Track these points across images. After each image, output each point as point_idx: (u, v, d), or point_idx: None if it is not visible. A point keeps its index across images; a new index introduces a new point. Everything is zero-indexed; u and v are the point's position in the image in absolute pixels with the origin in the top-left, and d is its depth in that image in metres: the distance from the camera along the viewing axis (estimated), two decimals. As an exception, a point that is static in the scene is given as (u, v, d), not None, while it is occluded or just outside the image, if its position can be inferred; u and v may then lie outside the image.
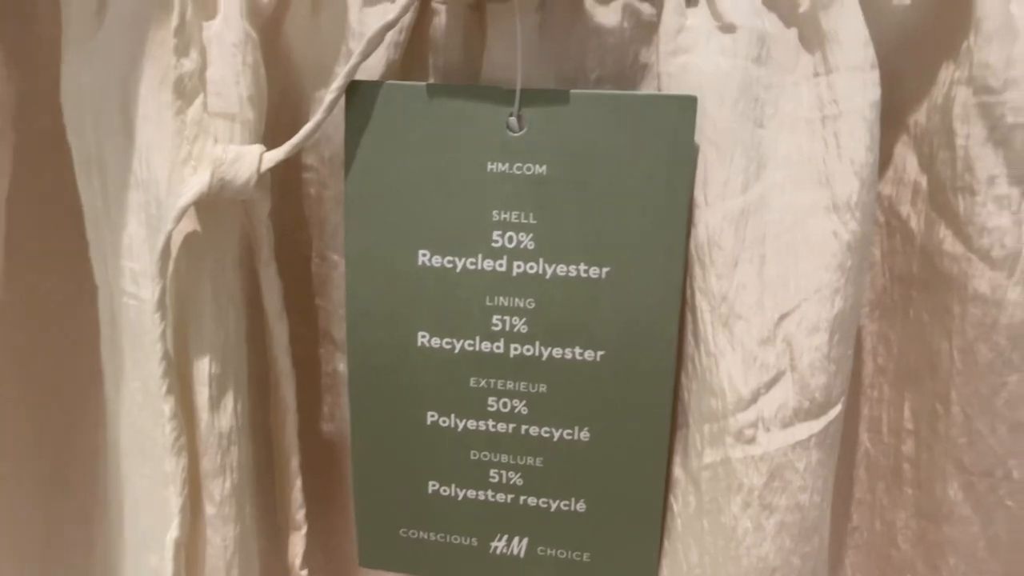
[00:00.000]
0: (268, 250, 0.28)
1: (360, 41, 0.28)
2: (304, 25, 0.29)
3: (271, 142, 0.29)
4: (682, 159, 0.26)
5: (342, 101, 0.27)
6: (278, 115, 0.30)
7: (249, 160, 0.26)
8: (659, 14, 0.27)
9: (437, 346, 0.28)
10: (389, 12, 0.27)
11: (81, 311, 0.33)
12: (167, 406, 0.27)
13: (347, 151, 0.27)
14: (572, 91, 0.26)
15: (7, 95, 0.30)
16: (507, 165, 0.26)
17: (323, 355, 0.33)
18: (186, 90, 0.27)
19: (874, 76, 0.26)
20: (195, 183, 0.26)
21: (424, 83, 0.27)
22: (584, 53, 0.28)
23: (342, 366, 0.32)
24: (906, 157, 0.29)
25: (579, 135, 0.26)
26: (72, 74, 0.28)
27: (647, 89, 0.28)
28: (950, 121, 0.27)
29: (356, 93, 0.27)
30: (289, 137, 0.30)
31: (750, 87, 0.26)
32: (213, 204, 0.27)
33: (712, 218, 0.26)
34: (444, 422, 0.28)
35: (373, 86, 0.27)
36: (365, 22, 0.28)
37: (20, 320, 0.33)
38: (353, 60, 0.26)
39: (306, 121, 0.30)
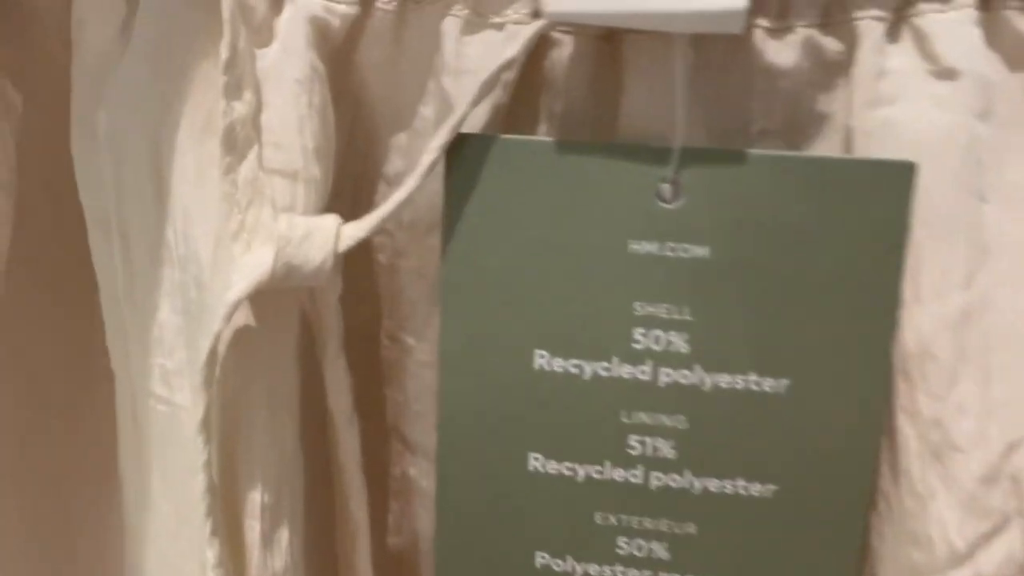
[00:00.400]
0: (337, 342, 0.22)
1: (456, 78, 0.22)
2: (382, 55, 0.22)
3: (334, 203, 0.22)
4: (892, 243, 0.20)
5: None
6: (343, 166, 0.24)
7: (322, 238, 0.20)
8: (849, 52, 0.21)
9: (554, 472, 0.22)
10: (497, 42, 0.21)
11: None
12: (212, 551, 0.21)
13: (446, 220, 0.21)
14: (748, 151, 0.20)
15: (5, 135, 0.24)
16: (656, 244, 0.20)
17: (390, 455, 0.27)
18: (238, 142, 0.20)
19: None
20: (252, 269, 0.20)
21: (551, 139, 0.21)
22: (747, 99, 0.22)
23: (413, 470, 0.26)
24: None
25: (753, 208, 0.20)
26: (85, 114, 0.22)
27: (826, 148, 0.22)
28: None
29: (461, 148, 0.21)
30: (356, 195, 0.24)
31: (973, 151, 0.20)
32: (272, 292, 0.21)
33: (925, 320, 0.20)
34: (558, 566, 0.22)
35: (483, 141, 0.21)
36: (464, 54, 0.22)
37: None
38: (462, 109, 0.20)
39: (377, 174, 0.24)
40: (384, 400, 0.26)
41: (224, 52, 0.20)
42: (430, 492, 0.26)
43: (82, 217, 0.23)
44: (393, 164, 0.24)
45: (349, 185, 0.24)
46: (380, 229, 0.21)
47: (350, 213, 0.24)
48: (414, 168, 0.23)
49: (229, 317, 0.19)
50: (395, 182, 0.24)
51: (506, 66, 0.20)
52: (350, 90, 0.23)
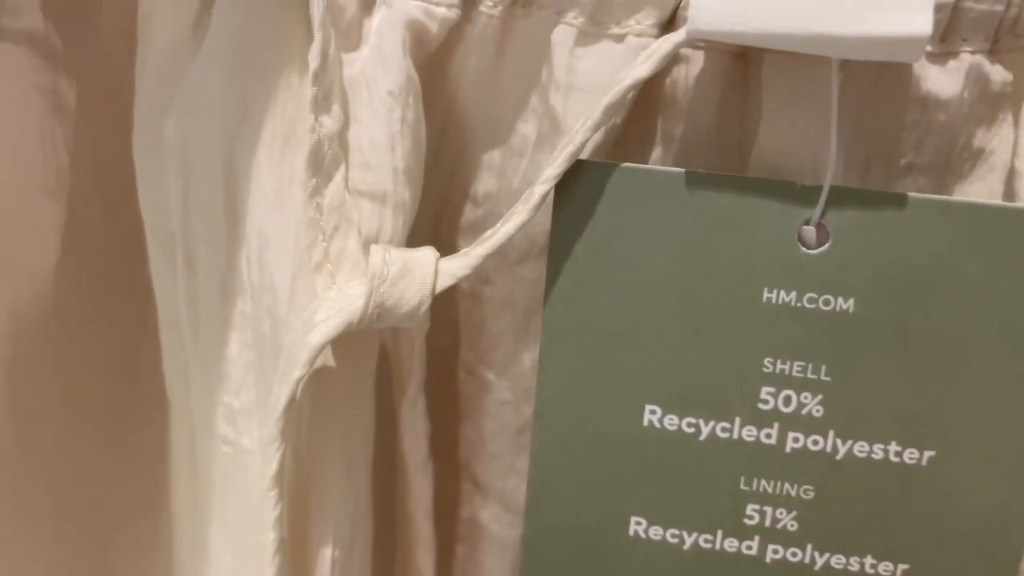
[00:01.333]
0: (418, 384, 0.20)
1: (566, 95, 0.19)
2: (481, 64, 0.20)
3: (414, 225, 0.20)
4: (1064, 306, 0.17)
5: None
6: (426, 184, 0.21)
7: (421, 276, 0.18)
8: (1019, 84, 0.18)
9: (658, 538, 0.20)
10: (616, 57, 0.19)
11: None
12: (278, 611, 0.19)
13: (552, 255, 0.19)
14: (905, 194, 0.18)
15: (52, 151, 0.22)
16: (794, 295, 0.18)
17: (459, 496, 0.24)
18: (325, 161, 0.18)
19: None
20: (340, 309, 0.17)
21: (678, 170, 0.18)
22: (896, 130, 0.19)
23: (484, 514, 0.24)
24: None
25: (907, 258, 0.18)
26: (150, 122, 0.20)
27: (983, 190, 0.19)
28: None
29: (574, 176, 0.18)
30: (438, 216, 0.22)
31: None
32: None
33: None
34: (657, 639, 0.20)
35: (600, 169, 0.18)
36: (577, 69, 0.19)
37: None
38: (581, 136, 0.17)
39: (464, 194, 0.22)
40: (457, 437, 0.24)
41: (314, 60, 0.18)
42: (501, 538, 0.24)
43: (137, 230, 0.21)
44: (483, 183, 0.21)
45: (431, 205, 0.22)
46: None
47: (431, 237, 0.22)
48: (509, 190, 0.21)
49: (312, 362, 0.17)
50: (484, 203, 0.21)
51: (635, 86, 0.18)
52: (440, 101, 0.21)
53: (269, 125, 0.19)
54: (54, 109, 0.22)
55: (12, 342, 0.22)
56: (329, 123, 0.18)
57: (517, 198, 0.20)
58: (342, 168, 0.18)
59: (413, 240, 0.20)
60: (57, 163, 0.22)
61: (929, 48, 0.18)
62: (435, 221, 0.22)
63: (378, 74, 0.19)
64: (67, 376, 0.23)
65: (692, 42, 0.18)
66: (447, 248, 0.22)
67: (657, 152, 0.20)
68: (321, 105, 0.18)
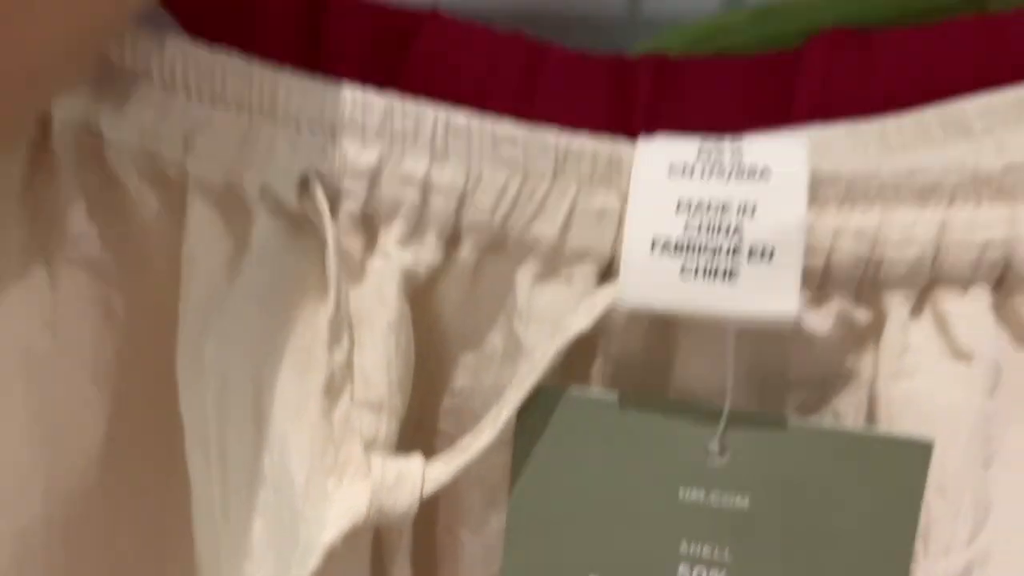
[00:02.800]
0: (405, 556, 0.25)
1: (527, 323, 0.24)
2: (459, 295, 0.25)
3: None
4: (908, 508, 0.23)
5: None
6: (415, 378, 0.26)
7: (411, 484, 0.22)
8: (878, 325, 0.24)
9: None
10: (566, 295, 0.24)
11: None
12: None
13: (515, 462, 0.24)
14: (789, 419, 0.23)
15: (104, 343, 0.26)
16: (703, 492, 0.23)
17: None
18: (335, 385, 0.23)
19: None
20: (346, 511, 0.22)
21: (615, 393, 0.23)
22: (784, 356, 0.24)
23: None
24: None
25: (790, 468, 0.23)
26: (192, 342, 0.24)
27: (853, 402, 0.24)
28: None
29: (533, 397, 0.23)
30: (421, 408, 0.27)
31: (983, 426, 0.23)
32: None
33: (932, 574, 0.23)
34: None
35: (553, 393, 0.23)
36: (535, 303, 0.24)
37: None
38: (537, 373, 0.23)
39: (444, 387, 0.27)
40: (434, 581, 0.29)
41: (330, 309, 0.23)
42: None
43: (175, 423, 0.26)
44: (460, 380, 0.26)
45: (418, 394, 0.26)
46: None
47: (417, 418, 0.26)
48: (480, 387, 0.26)
49: (324, 558, 0.22)
50: (459, 395, 0.26)
51: (578, 335, 0.23)
52: (426, 319, 0.26)
53: (291, 351, 0.23)
54: (105, 316, 0.26)
55: (64, 516, 0.26)
56: (340, 355, 0.23)
57: (487, 394, 0.25)
58: (349, 387, 0.23)
59: (403, 421, 0.25)
60: (106, 360, 0.26)
61: (808, 295, 0.24)
62: (420, 407, 0.27)
63: (378, 310, 0.24)
64: (111, 546, 0.27)
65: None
66: (429, 427, 0.27)
67: (598, 363, 0.25)
68: (334, 342, 0.23)
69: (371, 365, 0.24)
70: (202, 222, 0.24)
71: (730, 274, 0.21)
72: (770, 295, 0.21)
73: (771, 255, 0.21)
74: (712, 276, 0.21)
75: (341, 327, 0.23)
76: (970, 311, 0.23)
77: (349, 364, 0.23)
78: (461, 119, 0.23)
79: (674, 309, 0.21)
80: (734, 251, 0.21)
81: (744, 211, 0.21)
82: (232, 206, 0.24)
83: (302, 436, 0.23)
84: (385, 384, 0.24)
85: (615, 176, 0.23)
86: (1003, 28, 0.26)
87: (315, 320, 0.24)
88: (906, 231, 0.23)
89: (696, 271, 0.21)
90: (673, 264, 0.21)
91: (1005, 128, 0.25)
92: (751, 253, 0.21)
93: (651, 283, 0.21)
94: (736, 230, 0.21)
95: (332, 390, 0.23)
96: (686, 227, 0.21)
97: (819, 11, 0.29)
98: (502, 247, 0.24)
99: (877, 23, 0.29)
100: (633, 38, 0.35)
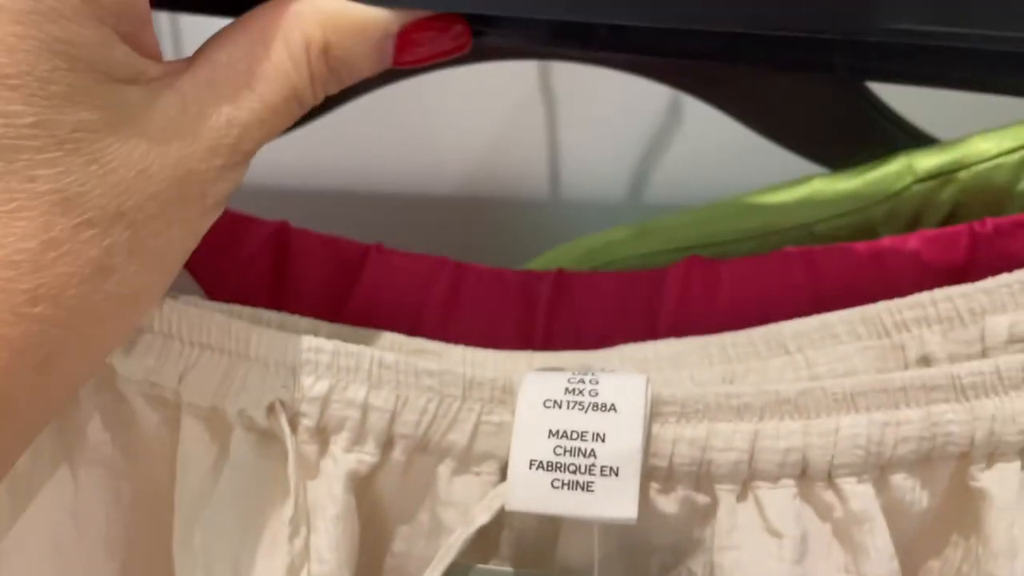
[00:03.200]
0: None
1: (445, 507, 0.31)
2: (394, 483, 0.32)
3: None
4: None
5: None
6: (361, 544, 0.33)
7: (356, 643, 0.29)
8: (713, 507, 0.31)
9: None
10: (476, 485, 0.31)
11: None
12: None
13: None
14: (642, 586, 0.30)
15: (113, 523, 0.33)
16: (577, 646, 0.30)
17: None
18: (295, 566, 0.30)
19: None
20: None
21: (510, 570, 0.30)
22: (647, 529, 0.31)
23: None
24: None
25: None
26: (185, 529, 0.31)
27: (700, 560, 0.31)
28: None
29: (448, 572, 0.30)
30: (368, 566, 0.33)
31: (793, 585, 0.30)
32: None
33: None
34: None
35: (463, 569, 0.30)
36: (452, 491, 0.31)
37: None
38: (450, 556, 0.30)
39: (385, 550, 0.34)
40: None
41: (290, 508, 0.30)
42: None
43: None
44: (397, 545, 0.33)
45: (364, 560, 0.33)
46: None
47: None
48: (413, 551, 0.33)
49: None
50: (398, 556, 0.33)
51: (480, 527, 0.30)
52: (370, 502, 0.33)
53: (261, 538, 0.30)
54: (115, 501, 0.33)
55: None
56: (298, 542, 0.30)
57: (419, 559, 0.32)
58: (307, 566, 0.30)
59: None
60: (116, 537, 0.33)
61: (658, 487, 0.31)
62: (369, 566, 0.34)
63: (329, 504, 0.31)
64: None
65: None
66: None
67: (505, 535, 0.32)
68: (294, 534, 0.30)
69: (324, 546, 0.31)
70: (192, 434, 0.32)
71: (588, 487, 0.28)
72: (617, 503, 0.28)
73: (617, 472, 0.28)
74: (575, 488, 0.28)
75: (300, 521, 0.30)
76: (779, 498, 0.30)
77: (307, 547, 0.30)
78: (391, 357, 0.31)
79: (548, 512, 0.28)
80: (590, 470, 0.28)
81: (597, 439, 0.28)
82: (216, 423, 0.31)
83: (270, 605, 0.30)
84: (335, 562, 0.31)
85: (508, 398, 0.31)
86: (818, 260, 0.34)
87: (281, 512, 0.31)
88: (727, 440, 0.30)
89: (563, 484, 0.28)
90: (546, 478, 0.28)
91: (812, 348, 0.32)
92: (602, 471, 0.28)
93: (530, 493, 0.28)
94: (592, 453, 0.28)
95: (293, 570, 0.30)
96: (555, 450, 0.28)
97: (683, 231, 0.37)
98: (426, 450, 0.31)
99: (724, 242, 0.36)
100: (553, 217, 0.43)
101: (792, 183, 0.33)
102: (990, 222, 0.30)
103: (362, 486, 0.32)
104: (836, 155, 0.33)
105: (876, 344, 0.32)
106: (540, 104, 0.36)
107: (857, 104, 0.31)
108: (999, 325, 0.31)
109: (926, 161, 0.32)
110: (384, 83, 0.38)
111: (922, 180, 0.31)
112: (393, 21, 0.29)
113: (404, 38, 0.29)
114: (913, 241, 0.31)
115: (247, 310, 0.32)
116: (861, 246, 0.32)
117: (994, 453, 0.30)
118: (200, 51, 0.29)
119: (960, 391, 0.30)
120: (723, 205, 0.34)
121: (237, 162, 0.28)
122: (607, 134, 0.38)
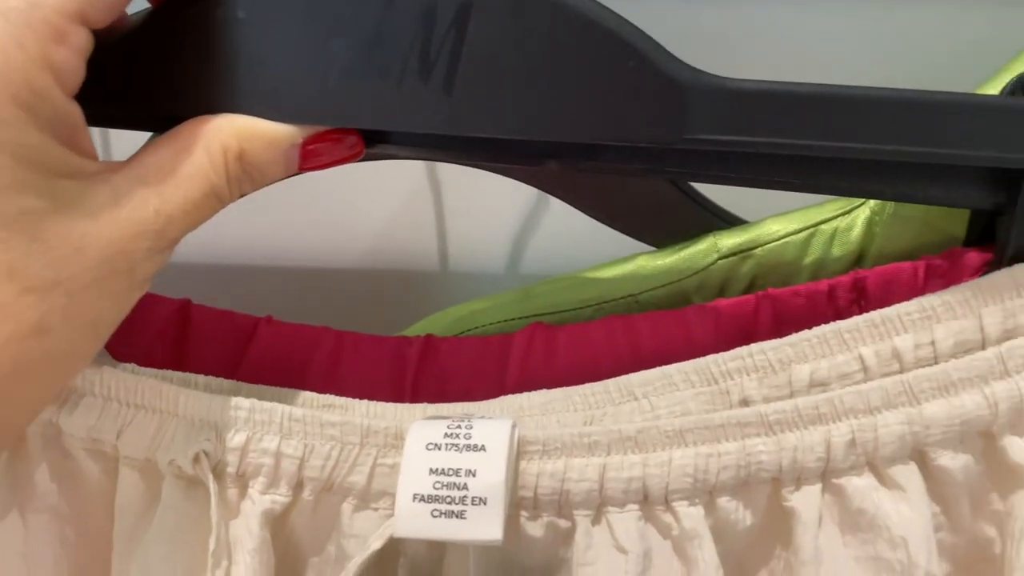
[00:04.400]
0: None
1: (348, 539, 0.37)
2: (304, 519, 0.38)
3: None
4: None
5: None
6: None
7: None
8: (572, 530, 0.37)
9: None
10: (374, 518, 0.37)
11: None
12: None
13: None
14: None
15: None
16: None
17: None
18: (219, 594, 0.35)
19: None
20: None
21: (406, 588, 0.36)
22: (519, 550, 0.37)
23: None
24: None
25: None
26: (122, 566, 0.36)
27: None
28: None
29: (349, 596, 0.36)
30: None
31: (636, 597, 0.36)
32: None
33: None
34: None
35: (364, 590, 0.36)
36: (354, 524, 0.37)
37: None
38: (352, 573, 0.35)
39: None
40: None
41: (212, 544, 0.35)
42: None
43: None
44: (308, 573, 0.38)
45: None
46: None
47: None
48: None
49: None
50: (313, 581, 0.39)
51: (374, 554, 0.35)
52: (284, 537, 0.38)
53: (191, 569, 0.36)
54: (61, 543, 0.38)
55: None
56: (220, 574, 0.35)
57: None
58: (230, 593, 0.35)
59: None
60: (62, 573, 0.38)
61: (527, 515, 0.37)
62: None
63: (247, 539, 0.36)
64: None
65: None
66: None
67: (402, 559, 0.38)
68: (215, 566, 0.35)
69: (244, 574, 0.36)
70: (129, 483, 0.37)
71: (461, 515, 0.34)
72: (486, 527, 0.34)
73: (485, 502, 0.34)
74: (451, 516, 0.34)
75: (221, 555, 0.35)
76: (625, 520, 0.36)
77: (228, 576, 0.36)
78: (299, 412, 0.36)
79: (429, 537, 0.34)
80: (463, 500, 0.34)
81: (469, 474, 0.34)
82: (149, 472, 0.37)
83: (198, 628, 0.35)
84: (255, 589, 0.36)
85: (400, 443, 0.37)
86: (636, 325, 0.41)
87: (206, 547, 0.36)
88: (581, 472, 0.36)
89: (441, 513, 0.34)
90: (426, 509, 0.34)
91: (655, 394, 0.39)
92: (473, 501, 0.34)
93: (413, 522, 0.34)
94: (464, 486, 0.34)
95: (216, 598, 0.35)
96: (434, 485, 0.34)
97: (533, 301, 0.44)
98: (331, 490, 0.37)
99: (567, 310, 0.43)
100: (442, 287, 0.49)
101: (622, 260, 0.40)
102: (772, 291, 0.38)
103: (277, 523, 0.37)
104: (658, 235, 0.40)
105: (707, 390, 0.39)
106: (428, 191, 0.43)
107: (675, 195, 0.38)
108: (802, 372, 0.38)
109: (728, 240, 0.39)
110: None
111: (725, 256, 0.38)
112: (297, 134, 0.35)
113: (307, 148, 0.35)
114: (711, 308, 0.38)
115: (177, 374, 0.38)
116: (669, 313, 0.38)
117: (800, 477, 0.37)
118: (135, 155, 0.34)
119: (768, 427, 0.36)
120: (567, 278, 0.41)
121: (163, 247, 0.34)
122: (486, 216, 0.45)
